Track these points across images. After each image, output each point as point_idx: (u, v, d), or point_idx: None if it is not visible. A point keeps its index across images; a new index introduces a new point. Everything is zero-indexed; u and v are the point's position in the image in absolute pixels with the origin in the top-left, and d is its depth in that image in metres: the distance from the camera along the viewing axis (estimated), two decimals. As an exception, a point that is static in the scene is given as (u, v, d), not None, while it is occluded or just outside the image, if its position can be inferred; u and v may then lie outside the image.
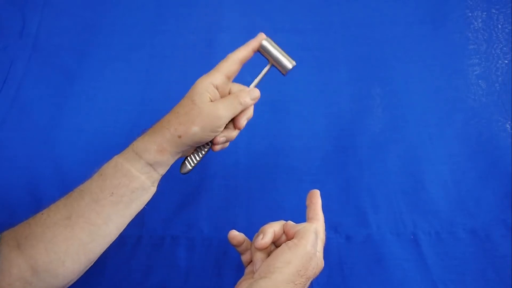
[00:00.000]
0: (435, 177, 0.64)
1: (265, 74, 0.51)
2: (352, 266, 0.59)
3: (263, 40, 0.50)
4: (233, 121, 0.50)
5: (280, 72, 0.51)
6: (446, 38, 0.73)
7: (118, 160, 0.46)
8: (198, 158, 0.51)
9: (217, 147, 0.50)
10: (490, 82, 0.69)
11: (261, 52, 0.51)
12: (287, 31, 0.75)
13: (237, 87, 0.51)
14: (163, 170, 0.48)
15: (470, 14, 0.74)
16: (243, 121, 0.50)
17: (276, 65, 0.51)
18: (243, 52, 0.49)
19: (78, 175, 0.63)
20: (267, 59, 0.51)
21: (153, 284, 0.59)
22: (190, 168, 0.51)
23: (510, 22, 0.73)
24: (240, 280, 0.45)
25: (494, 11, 0.74)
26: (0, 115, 0.68)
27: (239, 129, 0.50)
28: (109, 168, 0.46)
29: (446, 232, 0.61)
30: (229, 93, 0.50)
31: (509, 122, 0.66)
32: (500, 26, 0.73)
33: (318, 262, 0.44)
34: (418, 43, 0.73)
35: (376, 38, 0.74)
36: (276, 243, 0.47)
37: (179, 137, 0.45)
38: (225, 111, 0.47)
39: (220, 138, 0.49)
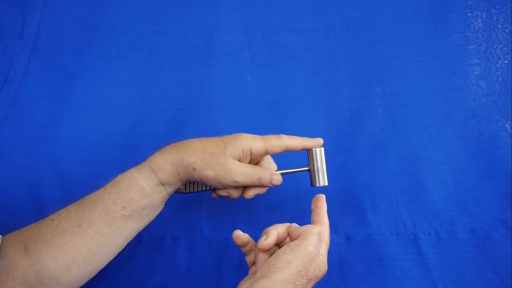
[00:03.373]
0: (435, 177, 0.64)
1: (297, 172, 0.53)
2: (352, 266, 0.59)
3: (317, 147, 0.51)
4: (244, 187, 0.51)
5: (311, 181, 0.53)
6: (446, 38, 0.73)
7: (134, 174, 0.47)
8: (195, 190, 0.52)
9: (215, 196, 0.51)
10: (490, 82, 0.69)
11: (308, 153, 0.52)
12: (287, 31, 0.75)
13: (267, 162, 0.52)
14: (171, 190, 0.49)
15: (470, 14, 0.74)
16: (251, 194, 0.51)
17: (312, 173, 0.52)
18: (295, 144, 0.50)
19: (78, 175, 0.64)
20: (309, 163, 0.52)
21: (153, 284, 0.59)
22: (184, 192, 0.52)
23: (510, 22, 0.73)
24: (242, 280, 0.45)
25: (494, 11, 0.74)
26: (0, 115, 0.68)
27: (244, 198, 0.51)
28: (123, 181, 0.46)
29: (446, 232, 0.61)
30: (258, 163, 0.52)
31: (509, 122, 0.66)
32: (500, 26, 0.73)
33: (320, 265, 0.44)
34: (418, 43, 0.73)
35: (376, 38, 0.74)
36: (280, 245, 0.47)
37: (194, 169, 0.46)
38: (242, 178, 0.48)
39: (223, 193, 0.50)
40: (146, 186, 0.46)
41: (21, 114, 0.68)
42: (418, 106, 0.68)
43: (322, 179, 0.52)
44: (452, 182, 0.63)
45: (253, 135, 0.50)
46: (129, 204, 0.45)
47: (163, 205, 0.50)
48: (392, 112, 0.68)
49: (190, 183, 0.52)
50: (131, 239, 0.48)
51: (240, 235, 0.47)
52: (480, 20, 0.74)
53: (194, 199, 0.63)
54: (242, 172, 0.47)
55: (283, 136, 0.50)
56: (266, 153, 0.50)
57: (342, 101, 0.70)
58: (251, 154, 0.49)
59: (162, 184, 0.47)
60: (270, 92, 0.71)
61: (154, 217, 0.49)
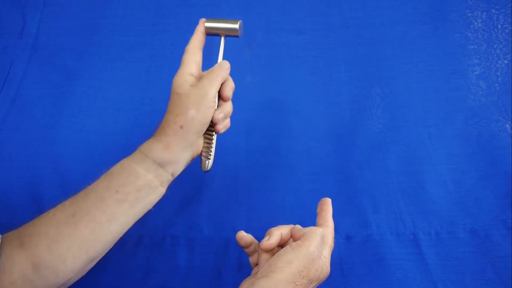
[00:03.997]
0: (435, 177, 0.64)
1: (224, 46, 0.54)
2: (352, 266, 0.59)
3: (205, 22, 0.53)
4: (220, 95, 0.51)
5: (234, 36, 0.54)
6: (446, 38, 0.73)
7: (125, 161, 0.47)
8: (210, 148, 0.51)
9: (220, 127, 0.51)
10: (490, 82, 0.69)
11: (210, 33, 0.54)
12: (287, 31, 0.76)
13: (208, 70, 0.53)
14: (173, 169, 0.48)
15: (470, 14, 0.74)
16: (228, 91, 0.52)
17: (226, 33, 0.54)
18: (196, 38, 0.52)
19: (78, 175, 0.64)
20: (218, 34, 0.54)
21: (153, 284, 0.59)
22: (209, 160, 0.51)
23: (510, 22, 0.73)
24: (244, 280, 0.45)
25: (494, 11, 0.74)
26: (0, 115, 0.68)
27: (228, 100, 0.52)
28: (115, 168, 0.46)
29: (446, 232, 0.61)
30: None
31: (509, 122, 0.66)
32: (500, 26, 0.73)
33: (323, 267, 0.43)
34: (418, 43, 0.73)
35: (376, 38, 0.74)
36: (283, 247, 0.47)
37: (181, 127, 0.46)
38: (209, 87, 0.48)
39: (219, 115, 0.50)
40: (139, 167, 0.46)
41: (21, 114, 0.68)
42: (418, 106, 0.68)
43: (232, 24, 0.53)
44: (452, 182, 0.63)
45: (178, 70, 0.51)
46: (122, 187, 0.45)
47: (164, 189, 0.48)
48: (392, 112, 0.68)
49: (202, 153, 0.51)
50: (127, 227, 0.47)
51: (243, 236, 0.47)
52: (480, 20, 0.74)
53: (194, 199, 0.63)
54: (204, 85, 0.48)
55: (186, 47, 0.51)
56: (198, 65, 0.51)
57: (342, 101, 0.70)
58: (193, 76, 0.49)
59: (158, 163, 0.46)
60: (270, 92, 0.71)
61: (153, 202, 0.48)
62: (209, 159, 0.51)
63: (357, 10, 0.76)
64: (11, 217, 0.61)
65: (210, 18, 0.53)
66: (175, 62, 0.73)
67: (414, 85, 0.70)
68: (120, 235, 0.47)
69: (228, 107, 0.51)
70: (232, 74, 0.72)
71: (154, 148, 0.46)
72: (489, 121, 0.66)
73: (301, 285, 0.41)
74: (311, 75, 0.72)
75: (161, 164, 0.47)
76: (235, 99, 0.70)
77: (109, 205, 0.45)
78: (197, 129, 0.48)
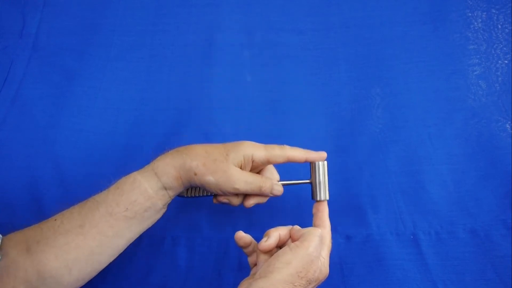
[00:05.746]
0: (435, 177, 0.64)
1: (299, 185, 0.53)
2: (352, 266, 0.59)
3: (321, 160, 0.51)
4: (244, 195, 0.51)
5: (312, 194, 0.52)
6: (446, 38, 0.73)
7: (137, 177, 0.47)
8: (197, 194, 0.53)
9: (216, 202, 0.52)
10: (490, 82, 0.69)
11: (310, 166, 0.52)
12: (287, 31, 0.75)
13: (270, 172, 0.52)
14: (173, 194, 0.49)
15: (470, 14, 0.74)
16: (252, 202, 0.51)
17: (313, 186, 0.52)
18: (298, 155, 0.50)
19: (78, 175, 0.64)
20: (310, 175, 0.52)
21: (153, 284, 0.59)
22: (185, 196, 0.53)
23: (510, 22, 0.73)
24: (242, 280, 0.45)
25: (494, 11, 0.74)
26: (0, 115, 0.68)
27: (244, 206, 0.51)
28: (127, 183, 0.47)
29: (446, 232, 0.61)
30: (260, 172, 0.52)
31: (509, 122, 0.66)
32: (500, 26, 0.73)
33: (321, 268, 0.44)
34: (418, 43, 0.73)
35: (376, 38, 0.74)
36: (281, 247, 0.47)
37: (195, 174, 0.47)
38: (243, 185, 0.48)
39: (223, 199, 0.51)
40: (149, 188, 0.47)
41: (21, 114, 0.68)
42: (418, 106, 0.68)
43: (323, 193, 0.51)
44: (452, 182, 0.63)
45: (256, 143, 0.50)
46: (131, 206, 0.46)
47: (165, 209, 0.50)
48: (392, 112, 0.68)
49: (192, 188, 0.52)
50: (131, 241, 0.49)
51: (242, 236, 0.48)
52: (480, 20, 0.74)
53: (194, 200, 0.63)
54: (243, 180, 0.48)
55: (286, 146, 0.50)
56: (268, 162, 0.50)
57: (342, 101, 0.70)
58: (253, 162, 0.49)
59: (165, 188, 0.48)
60: (270, 92, 0.71)
61: (156, 220, 0.50)
62: (187, 195, 0.53)
63: (357, 10, 0.76)
64: (11, 217, 0.61)
65: (326, 163, 0.52)
66: (175, 62, 0.74)
67: (414, 85, 0.70)
68: (123, 249, 0.49)
69: (238, 202, 0.51)
70: (232, 74, 0.73)
71: (167, 172, 0.47)
72: (489, 121, 0.66)
73: (299, 285, 0.41)
74: (311, 75, 0.72)
75: (166, 188, 0.48)
76: (235, 99, 0.71)
77: (117, 221, 0.46)
78: (202, 186, 0.49)
